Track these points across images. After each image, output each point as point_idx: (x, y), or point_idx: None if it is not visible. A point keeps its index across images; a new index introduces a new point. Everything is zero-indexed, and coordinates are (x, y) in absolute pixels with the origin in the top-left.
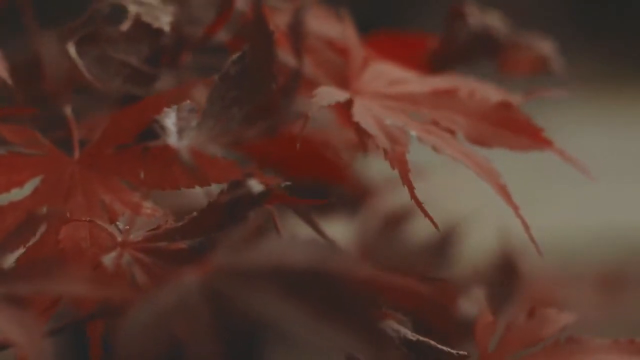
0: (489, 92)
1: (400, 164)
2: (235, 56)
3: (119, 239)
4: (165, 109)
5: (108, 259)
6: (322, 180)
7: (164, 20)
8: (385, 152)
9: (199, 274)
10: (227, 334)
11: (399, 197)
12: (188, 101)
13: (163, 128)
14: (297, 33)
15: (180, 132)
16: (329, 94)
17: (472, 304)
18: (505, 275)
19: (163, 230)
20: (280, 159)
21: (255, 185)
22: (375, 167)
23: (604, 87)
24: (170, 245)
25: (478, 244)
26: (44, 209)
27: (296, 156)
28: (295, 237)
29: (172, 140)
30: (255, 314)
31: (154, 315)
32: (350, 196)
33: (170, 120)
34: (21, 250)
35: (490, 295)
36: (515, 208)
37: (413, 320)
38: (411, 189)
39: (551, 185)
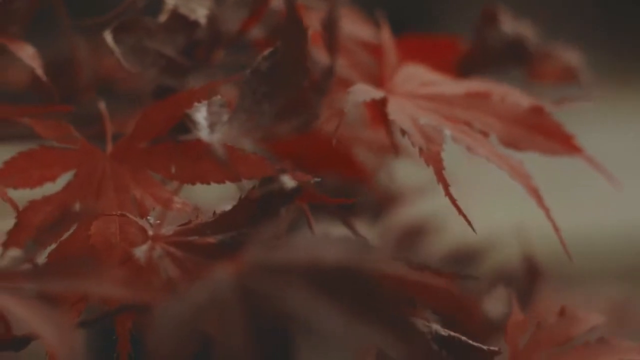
0: (520, 98)
1: (435, 162)
2: (267, 51)
3: (150, 232)
4: (196, 104)
5: (140, 252)
6: (347, 181)
7: (200, 12)
8: (421, 150)
9: (231, 270)
10: (260, 331)
11: (422, 207)
12: (219, 96)
13: (194, 122)
14: (331, 29)
15: (212, 126)
16: (364, 91)
17: (498, 303)
18: (527, 274)
19: (194, 224)
20: (306, 156)
21: (288, 181)
22: (402, 173)
23: (623, 82)
24: (201, 239)
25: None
26: (77, 206)
27: (322, 154)
28: (327, 234)
29: (204, 134)
30: (288, 311)
31: (186, 312)
32: (373, 201)
33: (201, 114)
34: (53, 246)
35: (513, 293)
36: (546, 210)
37: (442, 318)
38: (446, 186)
39: (568, 183)
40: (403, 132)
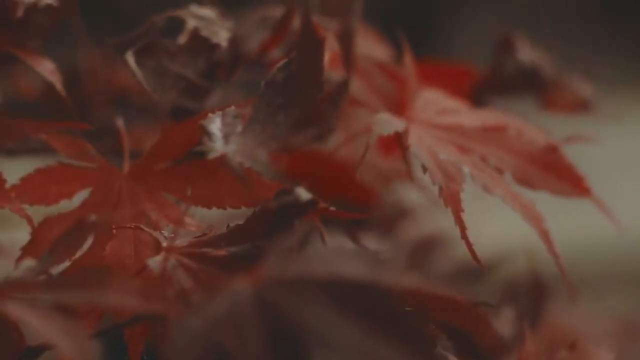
0: (535, 133)
1: (454, 202)
2: (281, 63)
3: (164, 244)
4: (210, 115)
5: (154, 262)
6: (355, 204)
7: (222, 35)
8: (441, 189)
9: (248, 282)
10: (276, 344)
11: (428, 225)
12: (232, 107)
13: (208, 134)
14: (346, 41)
15: (226, 137)
16: (388, 123)
17: (504, 325)
18: (533, 296)
19: (208, 237)
20: (319, 180)
21: (303, 194)
22: (407, 195)
23: (624, 81)
24: (216, 251)
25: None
26: (93, 217)
27: (335, 179)
28: (342, 247)
29: (218, 145)
30: (305, 324)
31: (203, 324)
32: (379, 222)
33: (215, 125)
34: (68, 262)
35: (518, 315)
36: (557, 256)
37: (455, 337)
38: (463, 229)
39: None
40: (425, 169)
